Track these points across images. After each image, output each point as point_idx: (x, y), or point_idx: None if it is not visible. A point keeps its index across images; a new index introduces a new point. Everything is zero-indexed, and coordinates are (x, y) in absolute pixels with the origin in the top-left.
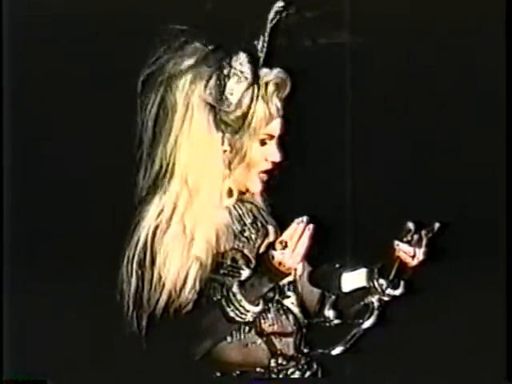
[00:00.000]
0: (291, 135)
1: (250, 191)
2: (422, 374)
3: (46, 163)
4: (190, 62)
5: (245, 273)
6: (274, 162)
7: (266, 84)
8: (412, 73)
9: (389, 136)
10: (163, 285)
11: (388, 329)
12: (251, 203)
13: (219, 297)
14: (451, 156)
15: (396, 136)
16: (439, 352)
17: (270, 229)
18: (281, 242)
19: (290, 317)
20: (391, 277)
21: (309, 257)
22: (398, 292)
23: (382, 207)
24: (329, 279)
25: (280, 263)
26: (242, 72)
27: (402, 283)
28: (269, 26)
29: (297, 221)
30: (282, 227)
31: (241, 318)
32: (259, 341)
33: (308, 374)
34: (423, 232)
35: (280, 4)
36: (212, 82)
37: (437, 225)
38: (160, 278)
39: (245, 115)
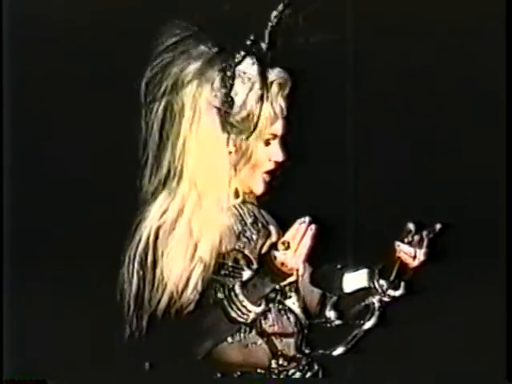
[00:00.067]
0: (292, 135)
1: (253, 192)
2: (422, 375)
3: (45, 163)
4: (196, 65)
5: (246, 273)
6: (276, 162)
7: (270, 84)
8: (413, 73)
9: (390, 136)
10: (165, 285)
11: (389, 329)
12: (252, 203)
13: (221, 297)
14: (453, 156)
15: (397, 136)
16: (440, 352)
17: (272, 229)
18: (283, 243)
19: (292, 317)
20: (392, 278)
21: (310, 257)
22: (398, 293)
23: (383, 208)
24: (330, 280)
25: (282, 264)
26: (245, 73)
27: (402, 284)
28: (270, 26)
29: (299, 221)
30: (283, 227)
31: (243, 318)
32: (260, 341)
33: (309, 374)
34: (424, 233)
35: (281, 7)
36: (217, 84)
37: (438, 226)
38: (162, 278)
39: (250, 116)
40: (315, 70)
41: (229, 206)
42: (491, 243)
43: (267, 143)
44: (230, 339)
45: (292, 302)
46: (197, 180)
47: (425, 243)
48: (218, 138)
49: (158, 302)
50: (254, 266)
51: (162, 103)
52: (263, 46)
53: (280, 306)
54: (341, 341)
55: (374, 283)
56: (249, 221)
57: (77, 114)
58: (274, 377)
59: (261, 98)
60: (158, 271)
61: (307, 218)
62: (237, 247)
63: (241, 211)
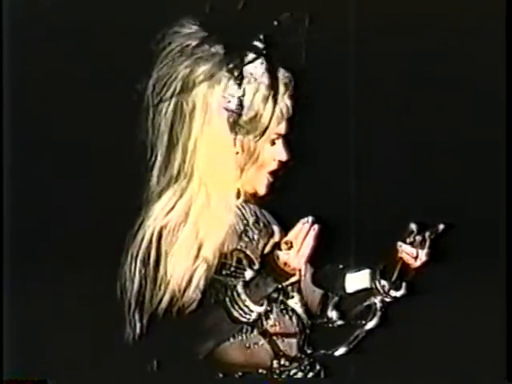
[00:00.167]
0: (295, 136)
1: (256, 193)
2: (423, 375)
3: (45, 163)
4: (206, 66)
5: (248, 273)
6: (280, 162)
7: (276, 84)
8: (415, 73)
9: (392, 137)
10: (167, 284)
11: (390, 330)
12: (253, 203)
13: (223, 297)
14: (455, 157)
15: (400, 137)
16: (441, 352)
17: (275, 229)
18: (286, 243)
19: (294, 317)
20: (393, 278)
21: (313, 257)
22: (400, 293)
23: (385, 208)
24: (332, 280)
25: (285, 263)
26: (251, 74)
27: (403, 284)
28: (275, 26)
29: (302, 221)
30: (286, 227)
31: (245, 318)
32: (261, 342)
33: (311, 374)
34: (427, 233)
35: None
36: (225, 85)
37: (441, 226)
38: (164, 277)
39: (257, 116)
40: (317, 70)
41: (234, 206)
42: (492, 243)
43: (273, 143)
44: (231, 339)
45: (294, 302)
46: (206, 181)
47: (427, 244)
48: (227, 139)
49: (159, 301)
50: (256, 266)
51: (171, 104)
52: (269, 46)
53: (282, 306)
54: (343, 341)
55: (375, 283)
56: (251, 220)
57: (77, 113)
58: (275, 377)
59: (274, 99)
60: (160, 270)
61: (310, 218)
62: (238, 247)
63: (243, 211)
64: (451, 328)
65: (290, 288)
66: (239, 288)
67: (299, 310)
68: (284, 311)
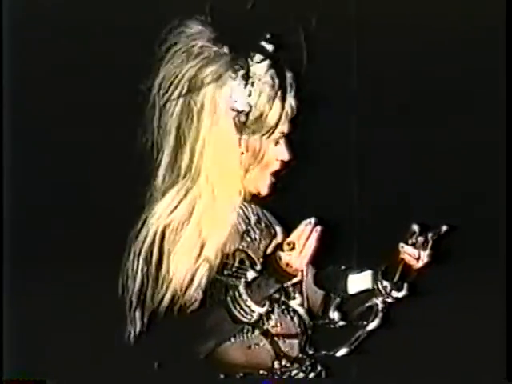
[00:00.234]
0: (298, 137)
1: (259, 193)
2: (424, 376)
3: (46, 163)
4: (214, 67)
5: (250, 274)
6: (283, 162)
7: (281, 84)
8: (419, 74)
9: (395, 138)
10: (169, 283)
11: (392, 331)
12: (255, 204)
13: (225, 297)
14: (457, 158)
15: (402, 138)
16: (442, 353)
17: (278, 230)
18: (288, 244)
19: (295, 318)
20: (395, 279)
21: (315, 258)
22: (401, 294)
23: (387, 209)
24: (334, 281)
25: (287, 264)
26: (257, 74)
27: (405, 285)
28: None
29: (304, 222)
30: (288, 228)
31: (246, 318)
32: (263, 342)
33: (312, 375)
34: (429, 235)
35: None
36: (232, 85)
37: (444, 227)
38: (166, 275)
39: (263, 116)
40: (320, 70)
41: (235, 205)
42: (494, 244)
43: (276, 143)
44: (232, 339)
45: (296, 303)
46: (213, 181)
47: (429, 245)
48: (233, 139)
49: (161, 299)
50: (258, 267)
51: (179, 104)
52: (273, 46)
53: (284, 307)
54: (344, 342)
55: (377, 284)
56: (252, 220)
57: (77, 113)
58: (276, 377)
59: (279, 99)
60: (163, 268)
61: (313, 219)
62: (240, 247)
63: (245, 210)
64: (452, 328)
65: (291, 289)
66: (241, 288)
67: (301, 310)
68: (286, 312)
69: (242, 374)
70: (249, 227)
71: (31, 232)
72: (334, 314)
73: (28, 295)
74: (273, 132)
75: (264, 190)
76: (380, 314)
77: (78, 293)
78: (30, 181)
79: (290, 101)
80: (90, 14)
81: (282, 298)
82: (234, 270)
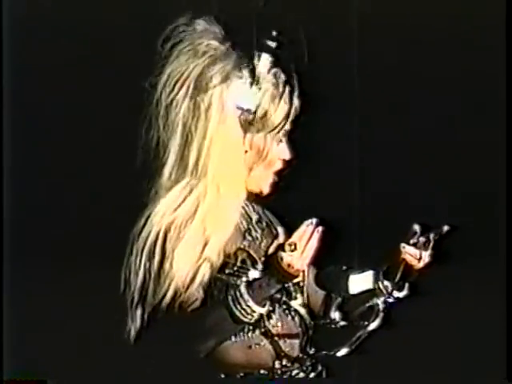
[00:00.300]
0: (300, 137)
1: (262, 192)
2: (425, 375)
3: (46, 163)
4: (219, 65)
5: (251, 273)
6: (284, 161)
7: (285, 83)
8: (422, 74)
9: (396, 138)
10: (172, 280)
11: (393, 331)
12: (257, 203)
13: (226, 296)
14: (458, 158)
15: (404, 138)
16: (442, 353)
17: (280, 230)
18: (290, 244)
19: (296, 318)
20: (396, 279)
21: (316, 258)
22: (402, 294)
23: (389, 209)
24: (336, 281)
25: (289, 265)
26: (261, 72)
27: (406, 285)
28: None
29: (306, 223)
30: (290, 229)
31: (247, 318)
32: (263, 342)
33: (312, 375)
34: (431, 235)
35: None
36: (238, 83)
37: (445, 227)
38: (169, 272)
39: (267, 114)
40: (321, 70)
41: (238, 204)
42: (495, 245)
43: (279, 142)
44: (233, 339)
45: (298, 303)
46: (219, 179)
47: (430, 245)
48: (238, 138)
49: (162, 296)
50: (259, 266)
51: (185, 102)
52: (280, 45)
53: (285, 307)
54: (345, 342)
55: (378, 284)
56: (254, 219)
57: (78, 112)
58: (276, 377)
59: (284, 97)
60: (165, 265)
61: (314, 220)
62: (242, 246)
63: (246, 209)
64: (453, 328)
65: (293, 289)
66: (242, 288)
67: (302, 310)
68: (287, 312)
69: (242, 374)
70: (250, 226)
71: (31, 232)
72: (335, 314)
73: (28, 295)
74: (277, 131)
75: (266, 189)
76: (381, 314)
77: (78, 293)
78: (29, 181)
79: (294, 100)
80: (90, 14)
81: (283, 298)
82: (235, 269)
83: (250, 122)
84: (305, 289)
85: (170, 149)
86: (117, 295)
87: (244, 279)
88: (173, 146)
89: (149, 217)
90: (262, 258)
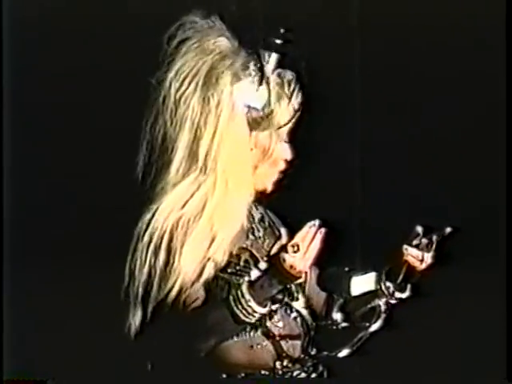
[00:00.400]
0: (301, 137)
1: (266, 191)
2: (426, 376)
3: (45, 163)
4: (228, 63)
5: (254, 273)
6: (286, 161)
7: (289, 83)
8: (425, 74)
9: (398, 139)
10: (178, 275)
11: (394, 332)
12: (261, 200)
13: (228, 295)
14: (461, 159)
15: (406, 139)
16: (443, 354)
17: (283, 231)
18: (292, 246)
19: (298, 319)
20: (399, 280)
21: (319, 260)
22: (404, 295)
23: (391, 211)
24: (338, 282)
25: (291, 266)
26: (268, 71)
27: (408, 286)
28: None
29: (309, 224)
30: (292, 230)
31: (248, 318)
32: (265, 342)
33: (314, 375)
34: (434, 237)
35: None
36: (245, 81)
37: (448, 229)
38: (176, 268)
39: (272, 113)
40: (323, 71)
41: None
42: (496, 246)
43: (283, 142)
44: (235, 339)
45: (299, 304)
46: (227, 176)
47: (433, 247)
48: (246, 135)
49: (168, 291)
50: (261, 266)
51: (194, 99)
52: (284, 43)
53: (287, 308)
54: (347, 343)
55: (380, 286)
56: (256, 218)
57: (78, 112)
58: (277, 377)
59: (289, 97)
60: (171, 261)
61: (317, 222)
62: (244, 245)
63: (249, 208)
64: (454, 329)
65: (294, 289)
66: (244, 288)
67: (304, 311)
68: (288, 312)
69: (243, 374)
70: (253, 225)
71: (31, 232)
72: (337, 315)
73: (28, 295)
74: (282, 130)
75: (270, 187)
76: (383, 316)
77: (78, 293)
78: (29, 181)
79: (298, 99)
80: (90, 13)
81: (285, 299)
82: (237, 268)
83: (257, 120)
84: (307, 290)
85: (178, 144)
86: (117, 295)
87: (246, 279)
88: (181, 141)
89: (155, 212)
90: (265, 258)
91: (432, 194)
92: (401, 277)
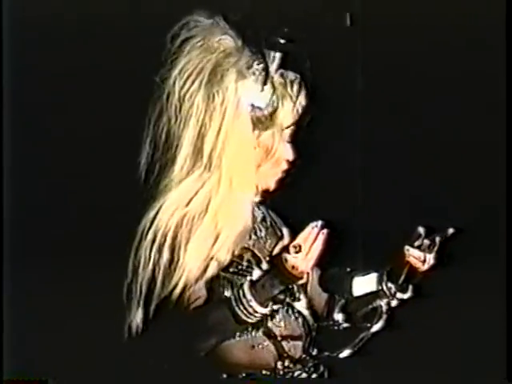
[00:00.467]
0: (303, 137)
1: (269, 190)
2: (427, 377)
3: (45, 163)
4: (232, 61)
5: (256, 273)
6: (288, 161)
7: (292, 83)
8: (427, 75)
9: (400, 140)
10: (182, 273)
11: (396, 332)
12: (262, 201)
13: (229, 295)
14: (463, 160)
15: (407, 140)
16: (443, 354)
17: (285, 232)
18: (295, 246)
19: (300, 319)
20: (400, 281)
21: (321, 260)
22: (406, 296)
23: (393, 212)
24: (339, 283)
25: (293, 267)
26: (271, 70)
27: (410, 287)
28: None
29: (311, 225)
30: (294, 231)
31: (249, 318)
32: (266, 342)
33: (314, 376)
34: (437, 238)
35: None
36: (249, 79)
37: (450, 230)
38: (180, 266)
39: (275, 113)
40: (324, 70)
41: (252, 201)
42: (498, 247)
43: (285, 142)
44: (236, 338)
45: (301, 305)
46: (231, 174)
47: (436, 248)
48: (250, 134)
49: (172, 289)
50: (263, 266)
51: (200, 95)
52: (288, 43)
53: (288, 308)
54: (348, 343)
55: (382, 286)
56: (258, 218)
57: (78, 112)
58: (278, 377)
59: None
60: (176, 258)
61: (319, 222)
62: (246, 245)
63: (252, 208)
64: (455, 330)
65: (296, 290)
66: (245, 288)
67: (305, 311)
68: (290, 313)
69: (244, 374)
70: (255, 225)
71: (31, 232)
72: (339, 316)
73: (28, 295)
74: (285, 130)
75: (273, 186)
76: (384, 316)
77: (78, 293)
78: (29, 181)
79: (301, 100)
80: (90, 13)
81: (287, 300)
82: (239, 267)
83: (260, 119)
84: (308, 290)
85: (183, 141)
86: (117, 295)
87: (248, 278)
88: (185, 138)
89: (159, 210)
90: (267, 258)
91: (433, 194)
92: (402, 277)
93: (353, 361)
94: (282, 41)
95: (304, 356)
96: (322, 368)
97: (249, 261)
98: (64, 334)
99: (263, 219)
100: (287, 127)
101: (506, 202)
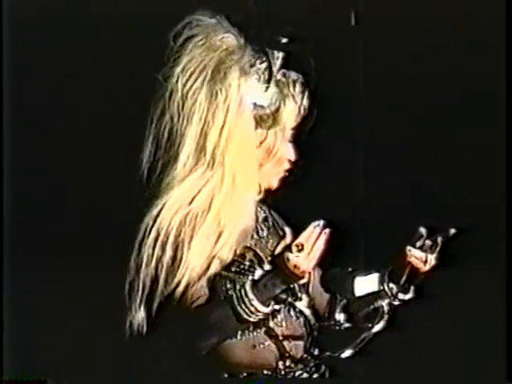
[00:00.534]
0: (305, 137)
1: (271, 190)
2: (429, 377)
3: (45, 163)
4: (235, 60)
5: (258, 272)
6: (290, 161)
7: (294, 83)
8: (428, 75)
9: (402, 140)
10: (185, 271)
11: (397, 333)
12: (263, 201)
13: (231, 294)
14: (465, 160)
15: (410, 141)
16: (444, 354)
17: (287, 231)
18: (297, 245)
19: (301, 319)
20: (402, 282)
21: (322, 260)
22: (408, 296)
23: (395, 212)
24: (341, 283)
25: (295, 266)
26: (274, 69)
27: (412, 288)
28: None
29: (313, 224)
30: (296, 230)
31: (251, 317)
32: (267, 342)
33: (316, 376)
34: (439, 238)
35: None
36: (252, 78)
37: (452, 230)
38: (183, 263)
39: (278, 112)
40: (326, 70)
41: (255, 200)
42: (500, 247)
43: (287, 142)
44: (238, 337)
45: (303, 305)
46: (234, 172)
47: (437, 248)
48: (252, 132)
49: (175, 287)
50: (265, 265)
51: (203, 93)
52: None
53: (290, 308)
54: (349, 343)
55: (383, 286)
56: (260, 218)
57: (78, 112)
58: (279, 377)
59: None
60: (179, 256)
61: (321, 222)
62: (248, 245)
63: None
64: (457, 330)
65: (298, 290)
66: (247, 287)
67: (307, 311)
68: (291, 312)
69: (245, 374)
70: (257, 225)
71: (31, 232)
72: (340, 316)
73: (28, 295)
74: (287, 129)
75: (275, 184)
76: (386, 316)
77: (78, 293)
78: (29, 181)
79: (304, 99)
80: (90, 12)
81: (289, 299)
82: (241, 267)
83: (262, 117)
84: (310, 290)
85: (185, 139)
86: (117, 295)
87: (250, 278)
88: (188, 135)
89: (162, 208)
90: (269, 258)
91: (435, 194)
92: (404, 278)
93: (354, 361)
94: (285, 40)
95: (305, 356)
96: (323, 368)
97: (251, 260)
98: (64, 333)
99: (265, 219)
100: (292, 128)
101: (506, 202)
